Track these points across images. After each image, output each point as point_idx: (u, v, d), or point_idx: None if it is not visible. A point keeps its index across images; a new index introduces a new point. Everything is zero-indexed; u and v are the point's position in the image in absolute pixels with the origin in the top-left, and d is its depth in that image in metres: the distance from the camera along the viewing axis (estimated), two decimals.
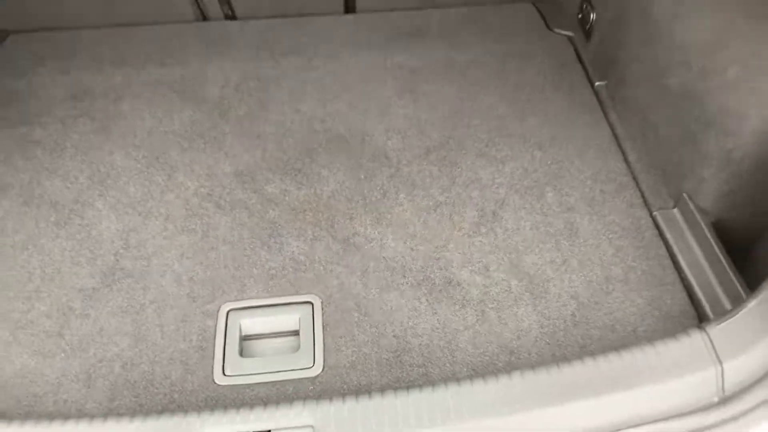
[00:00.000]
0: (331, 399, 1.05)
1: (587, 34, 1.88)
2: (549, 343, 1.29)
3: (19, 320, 1.32)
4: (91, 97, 1.78)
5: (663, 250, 1.44)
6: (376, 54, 1.89)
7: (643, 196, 1.54)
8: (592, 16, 1.83)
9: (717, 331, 1.14)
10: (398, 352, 1.27)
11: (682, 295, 1.36)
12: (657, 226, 1.48)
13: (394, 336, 1.30)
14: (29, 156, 1.63)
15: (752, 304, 1.13)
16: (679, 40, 1.42)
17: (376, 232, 1.47)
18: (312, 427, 1.04)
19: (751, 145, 1.28)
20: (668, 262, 1.42)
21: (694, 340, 1.14)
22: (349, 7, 2.03)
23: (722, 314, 1.15)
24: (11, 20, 1.95)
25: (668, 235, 1.45)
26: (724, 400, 1.09)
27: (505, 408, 1.05)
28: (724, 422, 1.07)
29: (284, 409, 1.06)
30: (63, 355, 1.27)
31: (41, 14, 1.94)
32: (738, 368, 1.10)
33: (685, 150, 1.44)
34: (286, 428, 1.05)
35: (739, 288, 1.28)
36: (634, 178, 1.58)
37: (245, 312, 1.33)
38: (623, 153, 1.63)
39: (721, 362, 1.10)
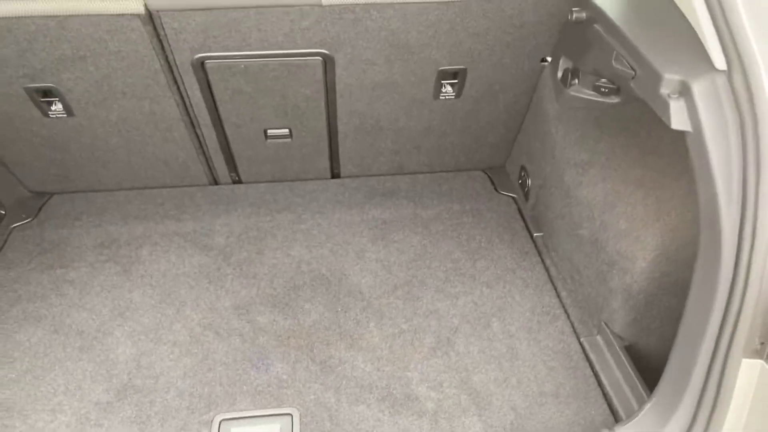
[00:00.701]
0: None
1: (526, 196, 2.30)
2: None
3: (43, 429, 1.56)
4: (117, 245, 2.15)
5: (588, 370, 1.72)
6: (355, 210, 2.30)
7: (572, 325, 1.85)
8: (529, 182, 2.27)
9: (623, 429, 1.40)
10: None
11: (603, 406, 1.62)
12: (583, 350, 1.77)
13: None
14: (62, 293, 1.96)
15: (648, 406, 1.40)
16: (584, 201, 1.83)
17: (349, 356, 1.75)
18: None
19: (642, 281, 1.63)
20: (592, 379, 1.69)
21: None
22: (335, 174, 2.47)
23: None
24: (54, 185, 2.37)
25: (592, 357, 1.74)
26: None
27: None
28: None
29: None
30: None
31: (79, 181, 2.37)
32: None
33: (599, 287, 1.78)
34: None
35: (646, 398, 1.54)
36: (565, 311, 1.90)
37: (235, 422, 1.57)
38: (556, 290, 1.97)
39: None
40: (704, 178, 1.23)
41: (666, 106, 1.27)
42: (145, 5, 1.69)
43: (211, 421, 1.58)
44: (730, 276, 1.22)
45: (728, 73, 1.21)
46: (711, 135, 1.21)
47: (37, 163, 2.23)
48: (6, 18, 1.67)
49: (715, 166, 1.21)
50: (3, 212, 2.23)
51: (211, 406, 1.62)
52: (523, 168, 2.32)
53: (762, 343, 1.23)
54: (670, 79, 1.27)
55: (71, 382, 1.68)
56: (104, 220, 2.26)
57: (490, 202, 2.36)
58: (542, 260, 2.09)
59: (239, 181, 2.46)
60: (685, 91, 1.25)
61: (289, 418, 1.58)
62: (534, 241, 2.17)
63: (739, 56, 1.19)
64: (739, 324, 1.22)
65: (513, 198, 2.38)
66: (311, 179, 2.47)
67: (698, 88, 1.22)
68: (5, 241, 2.16)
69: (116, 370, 1.71)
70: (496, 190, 2.43)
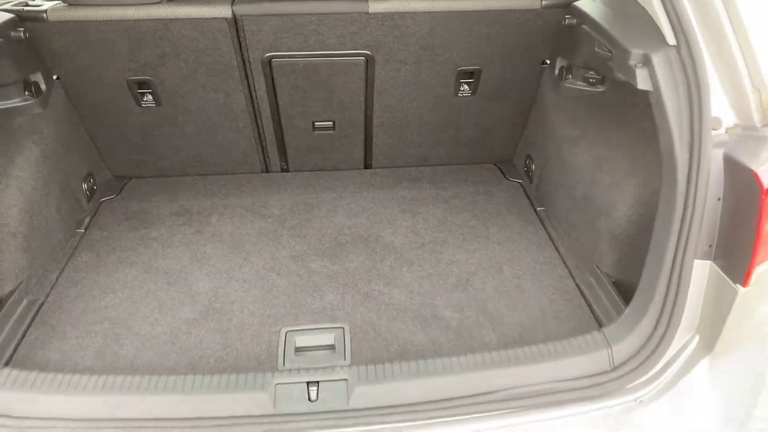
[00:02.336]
0: (357, 366, 1.65)
1: (530, 179, 2.73)
2: (505, 350, 1.89)
3: (145, 335, 1.96)
4: (190, 214, 2.58)
5: (583, 302, 2.10)
6: (386, 190, 2.73)
7: (569, 271, 2.24)
8: (533, 166, 2.70)
9: (608, 330, 1.77)
10: (401, 354, 1.88)
11: (594, 325, 1.99)
12: (579, 288, 2.16)
13: (398, 346, 1.91)
14: (148, 246, 2.38)
15: (626, 311, 1.78)
16: (576, 167, 2.25)
17: (387, 290, 2.15)
18: (346, 380, 1.63)
19: (624, 224, 2.04)
20: (587, 309, 2.07)
21: (595, 336, 1.76)
22: (367, 165, 2.91)
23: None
24: (133, 170, 2.82)
25: (586, 293, 2.12)
26: (614, 368, 1.69)
27: (470, 369, 1.64)
28: (612, 380, 1.66)
29: (328, 371, 1.66)
30: (175, 355, 1.88)
31: (154, 165, 2.81)
32: (620, 350, 1.71)
33: (590, 234, 2.18)
34: (329, 380, 1.64)
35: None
36: (564, 262, 2.29)
37: (298, 332, 1.95)
38: (556, 248, 2.37)
39: (610, 346, 1.71)
40: (663, 125, 1.65)
41: (634, 73, 1.71)
42: (232, 11, 2.18)
43: (279, 331, 1.96)
44: (683, 196, 1.62)
45: (677, 47, 1.65)
46: (667, 93, 1.63)
47: (123, 148, 2.69)
48: (126, 20, 2.16)
49: (670, 116, 1.63)
50: (95, 188, 2.67)
51: (278, 322, 2.01)
52: (528, 156, 2.76)
53: (710, 246, 1.62)
54: (636, 53, 1.71)
55: (163, 305, 2.08)
56: (177, 196, 2.70)
57: (500, 185, 2.79)
58: (544, 227, 2.49)
59: (287, 170, 2.90)
60: (647, 62, 1.69)
61: (342, 330, 1.96)
62: (537, 214, 2.58)
63: (685, 35, 1.62)
64: (692, 231, 1.61)
65: (519, 183, 2.81)
66: (348, 169, 2.91)
67: (657, 59, 1.66)
68: (96, 211, 2.60)
69: (199, 298, 2.11)
70: (505, 177, 2.86)
